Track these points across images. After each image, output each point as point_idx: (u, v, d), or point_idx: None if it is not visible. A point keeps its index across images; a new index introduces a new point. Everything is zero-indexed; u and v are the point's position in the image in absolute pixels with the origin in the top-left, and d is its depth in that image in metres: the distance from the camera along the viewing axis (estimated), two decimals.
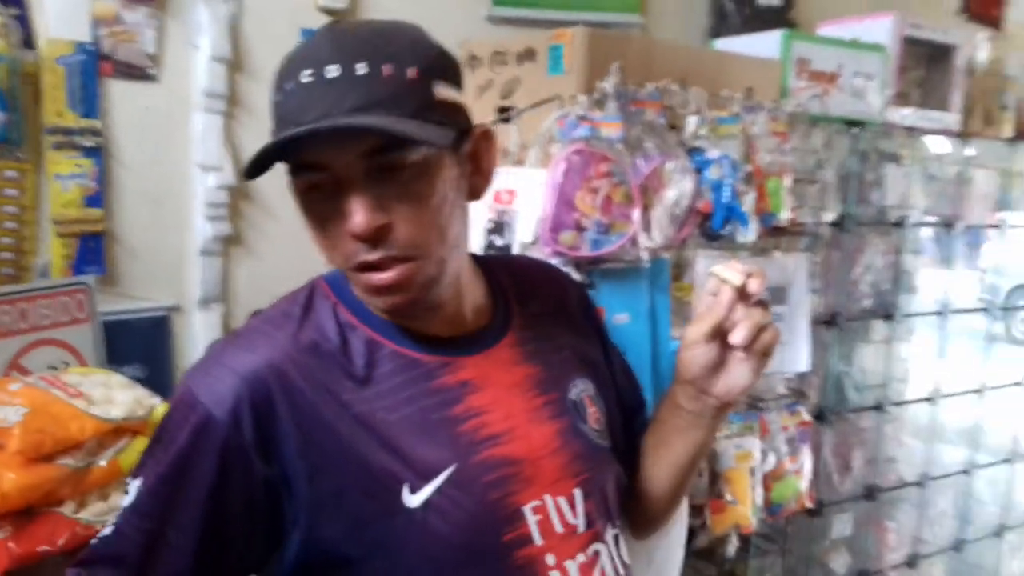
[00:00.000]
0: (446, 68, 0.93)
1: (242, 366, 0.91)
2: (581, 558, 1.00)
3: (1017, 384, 2.82)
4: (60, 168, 1.76)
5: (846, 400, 2.38)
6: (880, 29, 2.42)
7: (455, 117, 0.94)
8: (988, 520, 2.90)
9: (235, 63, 1.98)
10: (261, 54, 2.02)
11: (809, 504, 2.11)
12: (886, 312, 2.39)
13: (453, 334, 1.03)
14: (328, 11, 2.10)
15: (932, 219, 2.53)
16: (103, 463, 1.16)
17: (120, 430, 1.19)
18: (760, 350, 1.03)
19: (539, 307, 1.14)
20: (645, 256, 1.66)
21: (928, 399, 2.56)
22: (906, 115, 2.42)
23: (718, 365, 1.06)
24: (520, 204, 1.66)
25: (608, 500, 1.08)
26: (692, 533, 1.81)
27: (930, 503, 2.69)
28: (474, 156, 0.99)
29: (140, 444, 1.20)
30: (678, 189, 1.71)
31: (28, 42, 1.73)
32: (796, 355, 2.00)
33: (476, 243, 1.69)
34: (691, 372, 1.07)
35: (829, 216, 2.14)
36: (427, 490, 0.93)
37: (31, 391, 1.17)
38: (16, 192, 1.71)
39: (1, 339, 1.38)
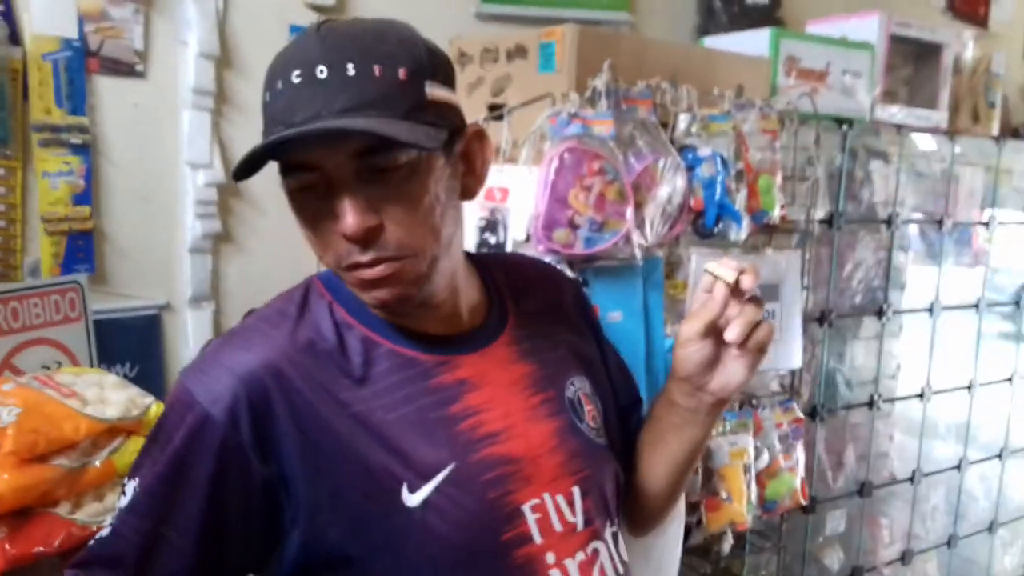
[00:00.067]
0: (437, 67, 0.92)
1: (239, 365, 0.90)
2: (580, 556, 1.00)
3: (1008, 380, 2.83)
4: (48, 165, 1.75)
5: (838, 397, 2.39)
6: (867, 27, 2.44)
7: (447, 117, 0.93)
8: (980, 515, 2.92)
9: (223, 60, 1.97)
10: (249, 51, 2.01)
11: (803, 501, 2.12)
12: (877, 309, 2.40)
13: (449, 332, 1.02)
14: (316, 7, 2.09)
15: (921, 216, 2.54)
16: (98, 463, 1.15)
17: (114, 430, 1.18)
18: (755, 346, 1.03)
19: (534, 305, 1.14)
20: (638, 254, 1.66)
21: (919, 395, 2.57)
22: (894, 113, 2.43)
23: (713, 362, 1.06)
24: (512, 202, 1.66)
25: (606, 498, 1.07)
26: (687, 530, 1.81)
27: (923, 499, 2.70)
28: (467, 156, 0.98)
29: (135, 444, 1.19)
30: (670, 187, 1.71)
31: (14, 38, 1.72)
32: (789, 352, 2.00)
33: (469, 241, 1.69)
34: (686, 369, 1.07)
35: (819, 213, 2.15)
36: (426, 489, 0.92)
37: (24, 391, 1.16)
38: (4, 190, 1.70)
39: None
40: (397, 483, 0.91)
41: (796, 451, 2.07)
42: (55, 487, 1.11)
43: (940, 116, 2.56)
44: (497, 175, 1.65)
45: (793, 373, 2.14)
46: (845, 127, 2.24)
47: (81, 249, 1.78)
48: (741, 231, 1.83)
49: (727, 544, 1.96)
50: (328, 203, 0.88)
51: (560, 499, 1.00)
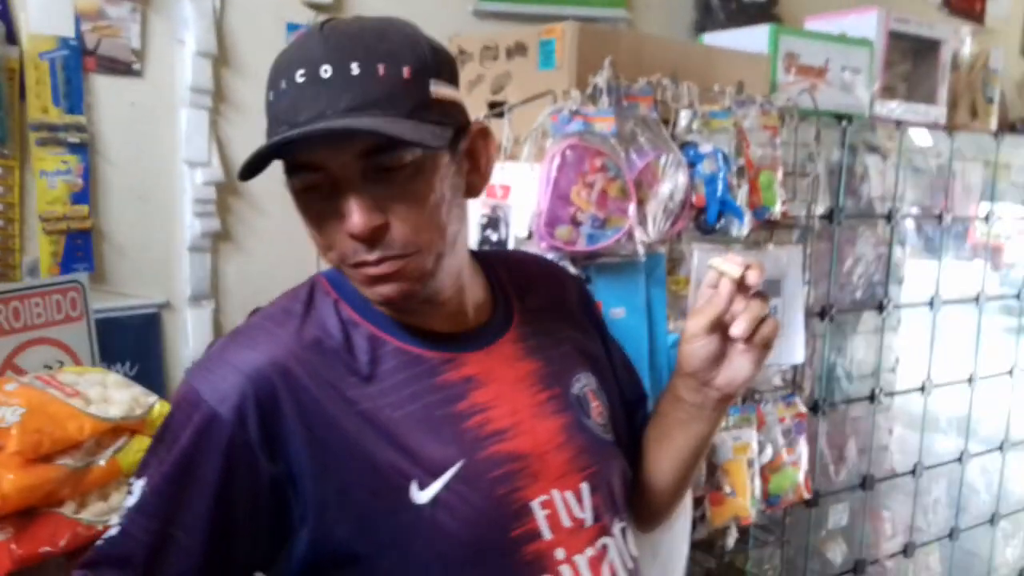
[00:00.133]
0: (441, 65, 0.92)
1: (245, 363, 0.90)
2: (590, 552, 1.00)
3: (1008, 373, 2.83)
4: (46, 164, 1.74)
5: (840, 390, 2.39)
6: (866, 24, 2.43)
7: (452, 115, 0.93)
8: (981, 508, 2.93)
9: (221, 58, 1.97)
10: (247, 49, 2.00)
11: (806, 495, 2.12)
12: (877, 303, 2.40)
13: (455, 330, 1.02)
14: (313, 5, 2.08)
15: (921, 211, 2.54)
16: (102, 463, 1.15)
17: (118, 429, 1.18)
18: (760, 342, 1.03)
19: (537, 302, 1.14)
20: (641, 250, 1.66)
21: (921, 389, 2.57)
22: (893, 108, 2.43)
23: (719, 357, 1.06)
24: (514, 199, 1.65)
25: (615, 494, 1.08)
26: (692, 525, 1.81)
27: (924, 492, 2.71)
28: (471, 153, 0.98)
29: (139, 443, 1.19)
30: (672, 183, 1.71)
31: (11, 37, 1.71)
32: (791, 347, 2.00)
33: (471, 239, 1.68)
34: (692, 365, 1.06)
35: (820, 209, 2.15)
36: (435, 486, 0.92)
37: (28, 391, 1.15)
38: (1, 189, 1.69)
39: None
40: (405, 480, 0.91)
41: (799, 445, 2.07)
42: (60, 487, 1.11)
43: (939, 112, 2.56)
44: (498, 172, 1.65)
45: (795, 368, 2.14)
46: (844, 123, 2.24)
47: (80, 248, 1.78)
48: (743, 227, 1.82)
49: (731, 539, 1.96)
50: (333, 202, 0.88)
51: (569, 495, 1.00)
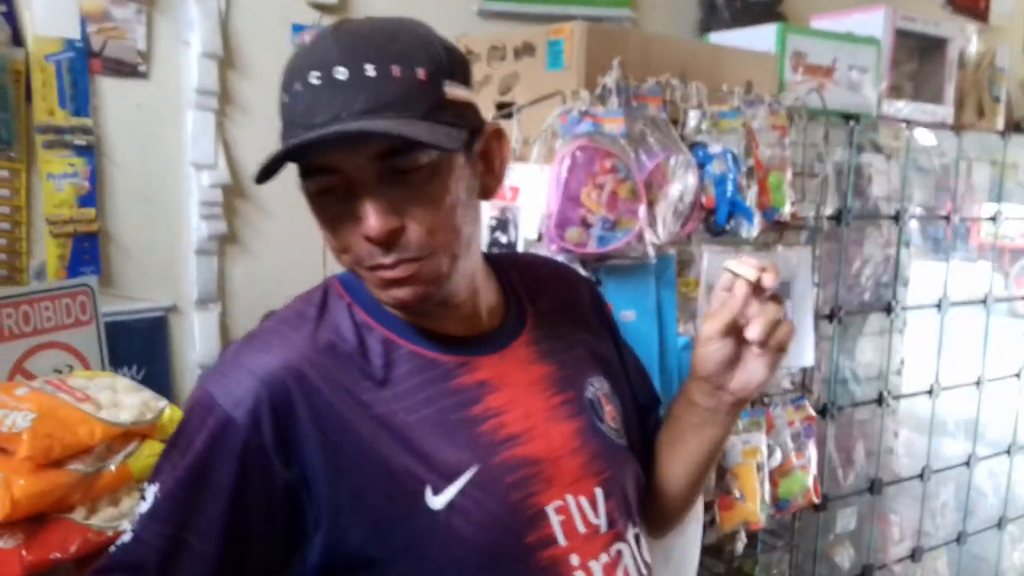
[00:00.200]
0: (455, 66, 0.91)
1: (260, 368, 0.89)
2: (604, 558, 0.99)
3: (1016, 375, 2.82)
4: (52, 167, 1.73)
5: (848, 393, 2.38)
6: (873, 22, 2.42)
7: (466, 116, 0.92)
8: (989, 512, 2.92)
9: (226, 59, 1.97)
10: (252, 50, 2.00)
11: (815, 499, 2.11)
12: (886, 305, 2.39)
13: (469, 333, 1.01)
14: (319, 6, 2.08)
15: (928, 211, 2.53)
16: (113, 468, 1.14)
17: (129, 434, 1.17)
18: (775, 345, 1.02)
19: (549, 305, 1.13)
20: (651, 252, 1.65)
21: (928, 392, 2.56)
22: (900, 108, 2.42)
23: (733, 361, 1.05)
24: (524, 201, 1.65)
25: (628, 499, 1.07)
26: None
27: (932, 496, 2.70)
28: (485, 155, 0.98)
29: (149, 448, 1.18)
30: (682, 184, 1.70)
31: (16, 39, 1.70)
32: (800, 349, 1.99)
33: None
34: (707, 368, 1.05)
35: (829, 210, 2.14)
36: (450, 491, 0.91)
37: (38, 395, 1.15)
38: (8, 192, 1.69)
39: (4, 343, 1.35)
40: (420, 485, 0.90)
41: (808, 449, 2.06)
42: (70, 492, 1.11)
43: (946, 111, 2.54)
44: (508, 174, 1.64)
45: (804, 371, 2.13)
46: (852, 123, 2.23)
47: (87, 251, 1.77)
48: (752, 228, 1.81)
49: (740, 544, 1.95)
50: (349, 205, 0.88)
51: (583, 500, 0.99)
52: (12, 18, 1.70)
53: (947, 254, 2.55)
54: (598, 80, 1.69)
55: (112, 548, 0.91)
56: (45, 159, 1.73)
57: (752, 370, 1.04)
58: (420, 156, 0.86)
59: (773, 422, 2.00)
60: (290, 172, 0.89)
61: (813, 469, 2.07)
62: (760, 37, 2.23)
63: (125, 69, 1.84)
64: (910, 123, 2.40)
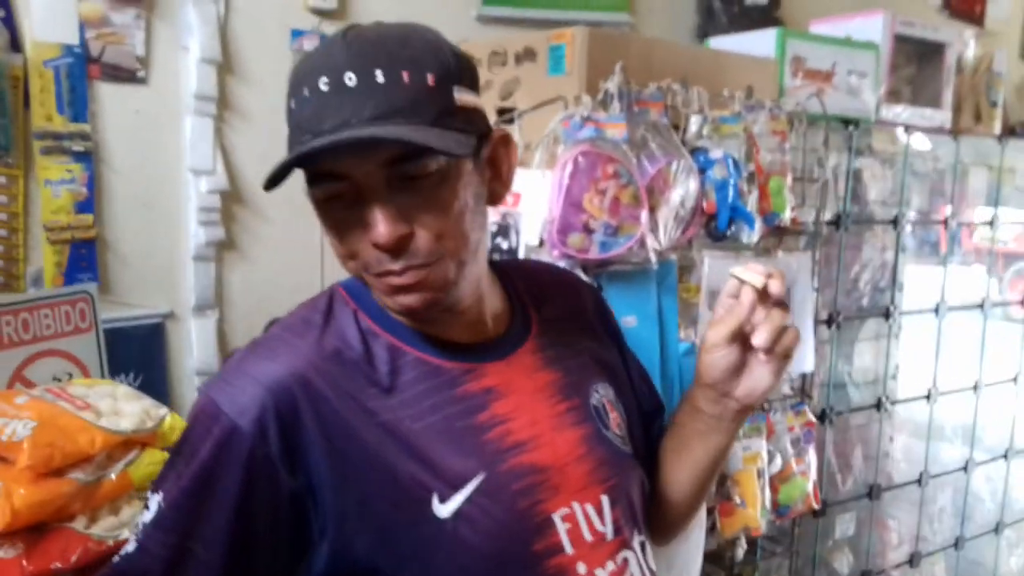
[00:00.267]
0: (464, 72, 0.91)
1: (265, 375, 0.89)
2: (611, 566, 0.98)
3: (1012, 380, 2.82)
4: (50, 173, 1.72)
5: (846, 398, 2.38)
6: (871, 27, 2.43)
7: (475, 122, 0.92)
8: (986, 517, 2.92)
9: (225, 65, 1.96)
10: (251, 56, 1.99)
11: (815, 505, 2.11)
12: (883, 310, 2.39)
13: (474, 340, 1.01)
14: (317, 12, 2.07)
15: (926, 216, 2.53)
16: (113, 476, 1.13)
17: (129, 442, 1.16)
18: (781, 352, 1.02)
19: (554, 311, 1.13)
20: (653, 258, 1.64)
21: (926, 397, 2.56)
22: (899, 112, 2.42)
23: (739, 368, 1.04)
24: (525, 206, 1.64)
25: (634, 506, 1.06)
26: None
27: (930, 501, 2.70)
28: (493, 161, 0.97)
29: (150, 456, 1.17)
30: (683, 189, 1.70)
31: (15, 45, 1.69)
32: (801, 355, 1.99)
33: None
34: (712, 375, 1.05)
35: (828, 215, 2.14)
36: (457, 499, 0.91)
37: (38, 404, 1.14)
38: (5, 199, 1.68)
39: (4, 350, 1.34)
40: (426, 493, 0.90)
41: (808, 454, 2.06)
42: (71, 501, 1.09)
43: (944, 116, 2.55)
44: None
45: (804, 376, 2.12)
46: (851, 128, 2.23)
47: (84, 258, 1.76)
48: (753, 233, 1.81)
49: (741, 550, 1.95)
50: (357, 212, 0.87)
51: (589, 508, 0.99)
52: (10, 23, 1.69)
53: (944, 259, 2.55)
54: (600, 85, 1.69)
55: (115, 558, 0.90)
56: (43, 165, 1.72)
57: (758, 377, 1.04)
58: (429, 162, 0.86)
59: (773, 428, 2.00)
60: (290, 179, 0.89)
61: (813, 475, 2.07)
62: (760, 42, 2.23)
63: (124, 75, 1.83)
64: (908, 127, 2.40)
